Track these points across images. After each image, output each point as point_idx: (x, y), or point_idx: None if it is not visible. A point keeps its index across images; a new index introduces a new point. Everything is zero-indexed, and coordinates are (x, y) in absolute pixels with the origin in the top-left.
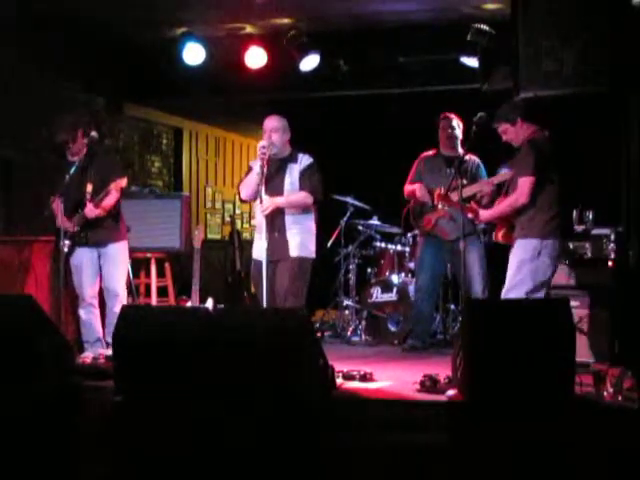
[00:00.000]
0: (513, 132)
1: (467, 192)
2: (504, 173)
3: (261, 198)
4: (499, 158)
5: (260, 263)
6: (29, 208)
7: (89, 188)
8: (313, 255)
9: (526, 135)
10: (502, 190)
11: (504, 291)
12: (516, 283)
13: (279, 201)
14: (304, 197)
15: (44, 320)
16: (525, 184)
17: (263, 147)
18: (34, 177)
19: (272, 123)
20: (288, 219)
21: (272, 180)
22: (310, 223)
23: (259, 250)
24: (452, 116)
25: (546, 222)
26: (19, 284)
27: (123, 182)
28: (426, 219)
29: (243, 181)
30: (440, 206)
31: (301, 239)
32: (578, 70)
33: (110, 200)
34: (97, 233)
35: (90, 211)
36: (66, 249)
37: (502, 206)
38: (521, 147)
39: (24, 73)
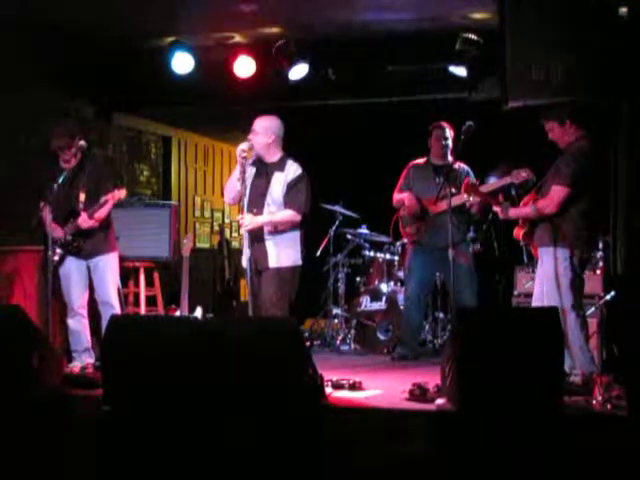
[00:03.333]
0: (560, 132)
1: (456, 201)
2: (497, 181)
3: (242, 213)
4: (487, 166)
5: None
6: (15, 217)
7: (82, 197)
8: (298, 262)
9: (572, 138)
10: (536, 188)
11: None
12: (557, 299)
13: (261, 220)
14: (291, 217)
15: (32, 330)
16: (558, 194)
17: (243, 150)
18: (19, 185)
19: (255, 124)
20: (267, 230)
21: (254, 189)
22: (292, 233)
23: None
24: (445, 125)
25: (574, 232)
26: (6, 294)
27: (122, 194)
28: (415, 227)
29: (226, 184)
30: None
31: (281, 249)
32: (567, 79)
33: (104, 211)
34: (88, 244)
35: (84, 221)
36: (57, 257)
37: (528, 209)
38: (565, 151)
39: (10, 80)
